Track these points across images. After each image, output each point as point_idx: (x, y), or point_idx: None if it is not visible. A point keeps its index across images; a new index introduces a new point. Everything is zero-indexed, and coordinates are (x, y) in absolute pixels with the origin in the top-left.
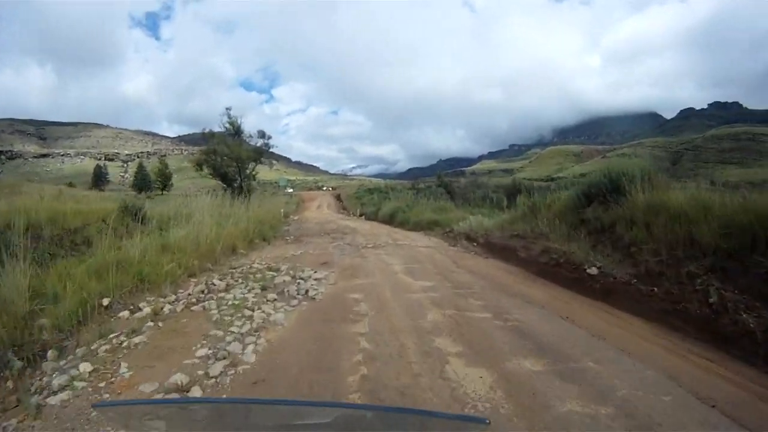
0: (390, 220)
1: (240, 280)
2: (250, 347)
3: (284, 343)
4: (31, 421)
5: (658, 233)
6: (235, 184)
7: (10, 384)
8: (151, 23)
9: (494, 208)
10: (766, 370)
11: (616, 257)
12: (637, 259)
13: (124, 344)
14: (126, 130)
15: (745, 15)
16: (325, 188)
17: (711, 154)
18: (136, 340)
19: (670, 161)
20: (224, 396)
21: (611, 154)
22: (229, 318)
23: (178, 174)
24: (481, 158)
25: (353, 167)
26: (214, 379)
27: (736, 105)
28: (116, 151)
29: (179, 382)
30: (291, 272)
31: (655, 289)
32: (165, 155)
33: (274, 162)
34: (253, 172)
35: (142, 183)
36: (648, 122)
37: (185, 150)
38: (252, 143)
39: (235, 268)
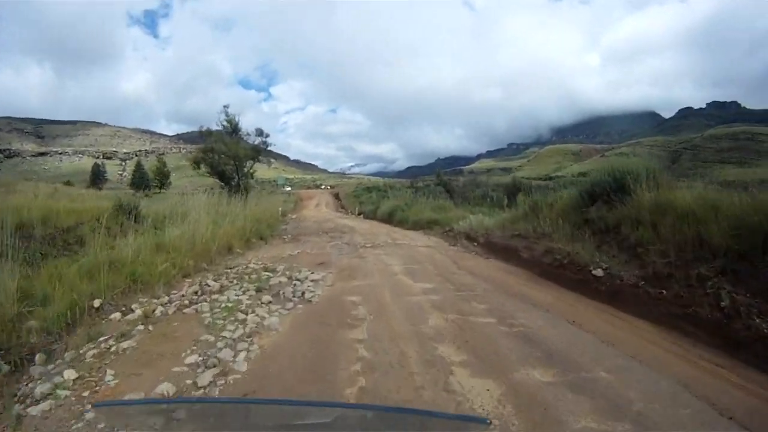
0: (389, 219)
1: (235, 281)
2: (242, 354)
3: (278, 350)
4: None
5: (665, 234)
6: (233, 183)
7: None
8: (150, 21)
9: (494, 207)
10: None
11: (622, 258)
12: (645, 260)
13: (113, 349)
14: (124, 128)
15: (744, 15)
16: (323, 187)
17: (709, 153)
18: (125, 344)
19: (669, 161)
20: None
21: (610, 153)
22: (222, 322)
23: (176, 172)
24: (479, 157)
25: (352, 166)
26: (202, 390)
27: (734, 105)
28: (114, 149)
29: (165, 393)
30: (287, 273)
31: (664, 291)
32: (163, 153)
33: (272, 160)
34: (251, 171)
35: (140, 181)
36: (646, 121)
37: (183, 148)
38: (250, 141)
39: (230, 268)
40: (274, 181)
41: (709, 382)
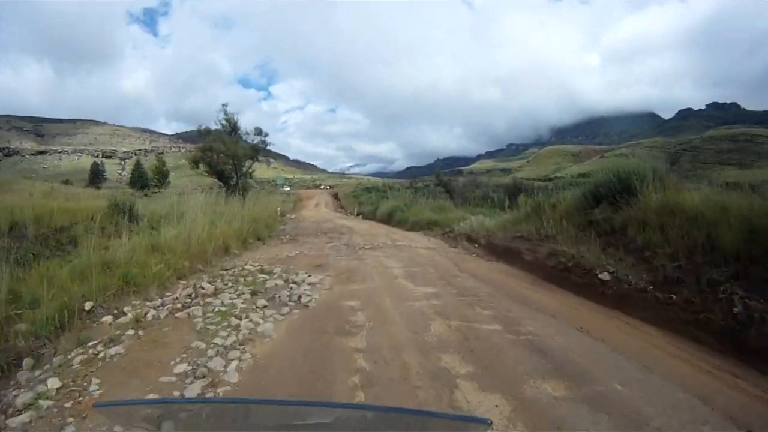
0: (388, 220)
1: (230, 284)
2: (234, 364)
3: (271, 360)
4: None
5: (674, 236)
6: (232, 182)
7: None
8: (149, 19)
9: (495, 207)
10: None
11: (628, 261)
12: (653, 263)
13: (101, 355)
14: (123, 127)
15: (744, 15)
16: (322, 187)
17: (709, 154)
18: (113, 351)
19: (669, 162)
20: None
21: (609, 154)
22: (214, 327)
23: (175, 172)
24: (479, 157)
25: (351, 166)
26: None
27: (734, 106)
28: (114, 148)
29: None
30: (284, 275)
31: (674, 296)
32: (162, 153)
33: (271, 160)
34: (250, 170)
35: (139, 181)
36: (646, 122)
37: (183, 147)
38: (249, 140)
39: (226, 270)
40: (274, 180)
41: (726, 393)
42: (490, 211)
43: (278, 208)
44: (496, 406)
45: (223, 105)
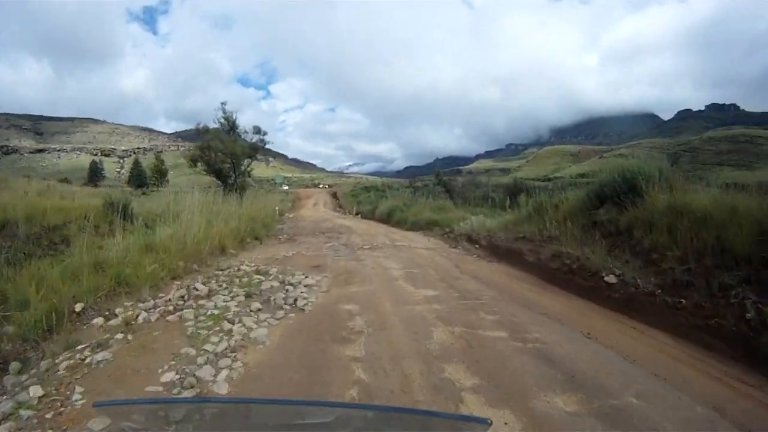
0: (387, 219)
1: (224, 285)
2: (224, 373)
3: (263, 369)
4: None
5: (682, 239)
6: (230, 181)
7: None
8: (149, 18)
9: (495, 208)
10: None
11: (635, 264)
12: (661, 266)
13: (87, 360)
14: (122, 125)
15: (744, 16)
16: (321, 186)
17: (708, 155)
18: (100, 356)
19: (668, 162)
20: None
21: (608, 154)
22: (206, 332)
23: (174, 170)
24: (478, 157)
25: (350, 165)
26: None
27: (733, 107)
28: (113, 146)
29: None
30: (280, 276)
31: (683, 301)
32: (161, 151)
33: (270, 159)
34: (249, 169)
35: (137, 179)
36: (645, 123)
37: (182, 146)
38: (247, 139)
39: (222, 270)
40: (272, 179)
41: (742, 405)
42: (490, 211)
43: (276, 207)
44: (506, 423)
45: (222, 103)
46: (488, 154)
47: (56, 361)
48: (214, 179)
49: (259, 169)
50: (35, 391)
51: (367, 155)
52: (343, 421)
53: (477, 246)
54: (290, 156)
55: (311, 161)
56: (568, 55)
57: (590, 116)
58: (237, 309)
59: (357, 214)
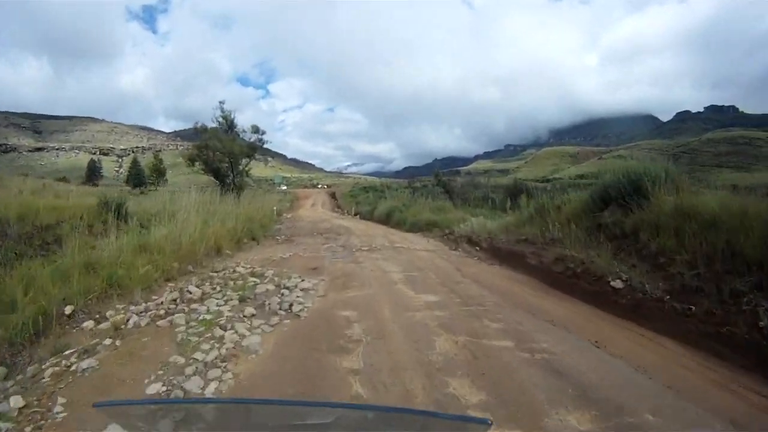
0: (386, 220)
1: (218, 288)
2: (213, 385)
3: (255, 381)
4: None
5: (691, 242)
6: (228, 180)
7: None
8: (148, 16)
9: (496, 209)
10: None
11: (642, 268)
12: (669, 271)
13: (73, 367)
14: (121, 124)
15: (744, 17)
16: (320, 186)
17: (707, 157)
18: (86, 364)
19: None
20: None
21: (607, 155)
22: (196, 339)
23: (172, 170)
24: (477, 158)
25: (349, 165)
26: None
27: (732, 108)
28: (111, 145)
29: None
30: (276, 279)
31: (693, 307)
32: (160, 150)
33: (269, 159)
34: (247, 168)
35: (136, 178)
36: (644, 124)
37: (180, 145)
38: (246, 138)
39: (217, 272)
40: (271, 179)
41: (762, 420)
42: (490, 213)
43: (274, 207)
44: None
45: (220, 102)
46: (487, 155)
47: (43, 366)
48: (212, 179)
49: (258, 169)
50: (16, 401)
51: (366, 155)
52: (342, 422)
53: (478, 248)
54: (289, 156)
55: (310, 161)
56: (568, 56)
57: (589, 117)
58: (230, 314)
59: (356, 214)
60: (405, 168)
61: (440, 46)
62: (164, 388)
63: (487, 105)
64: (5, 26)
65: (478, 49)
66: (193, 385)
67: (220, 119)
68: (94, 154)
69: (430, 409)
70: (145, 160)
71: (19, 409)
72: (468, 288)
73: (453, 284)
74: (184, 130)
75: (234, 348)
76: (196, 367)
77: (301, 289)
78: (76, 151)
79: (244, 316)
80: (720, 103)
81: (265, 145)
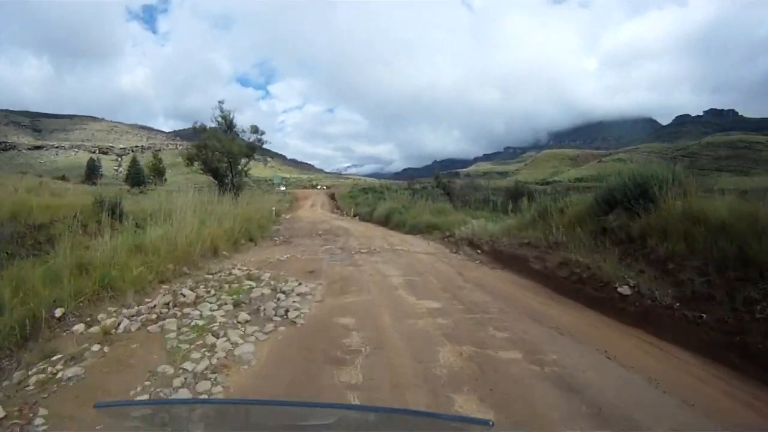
0: (385, 222)
1: (213, 291)
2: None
3: (246, 395)
4: None
5: (700, 248)
6: (227, 180)
7: None
8: (148, 16)
9: (497, 211)
10: None
11: (650, 274)
12: (678, 277)
13: (58, 375)
14: (121, 123)
15: (744, 22)
16: (319, 187)
17: (707, 161)
18: (71, 372)
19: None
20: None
21: (607, 159)
22: (187, 346)
23: (172, 169)
24: (476, 160)
25: (348, 166)
26: None
27: (731, 112)
28: (111, 144)
29: None
30: (272, 282)
31: (704, 315)
32: (159, 150)
33: (268, 159)
34: (246, 168)
35: (135, 177)
36: (644, 128)
37: (180, 145)
38: (245, 138)
39: (213, 274)
40: (270, 180)
41: None
42: (491, 215)
43: (273, 208)
44: None
45: (219, 102)
46: (486, 157)
47: (29, 372)
48: (211, 178)
49: (257, 169)
50: None
51: (365, 156)
52: (343, 423)
53: (479, 251)
54: (289, 156)
55: (309, 162)
56: (568, 59)
57: (589, 120)
58: (223, 320)
59: (355, 215)
60: (404, 170)
61: (440, 47)
62: None
63: (487, 107)
64: (6, 25)
65: (477, 50)
66: None
67: (219, 119)
68: (94, 153)
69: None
70: (145, 160)
71: (0, 420)
72: (471, 293)
73: (455, 289)
74: (184, 129)
75: (226, 357)
76: (185, 378)
77: (298, 294)
78: (76, 149)
79: (238, 323)
80: (720, 107)
81: (264, 146)
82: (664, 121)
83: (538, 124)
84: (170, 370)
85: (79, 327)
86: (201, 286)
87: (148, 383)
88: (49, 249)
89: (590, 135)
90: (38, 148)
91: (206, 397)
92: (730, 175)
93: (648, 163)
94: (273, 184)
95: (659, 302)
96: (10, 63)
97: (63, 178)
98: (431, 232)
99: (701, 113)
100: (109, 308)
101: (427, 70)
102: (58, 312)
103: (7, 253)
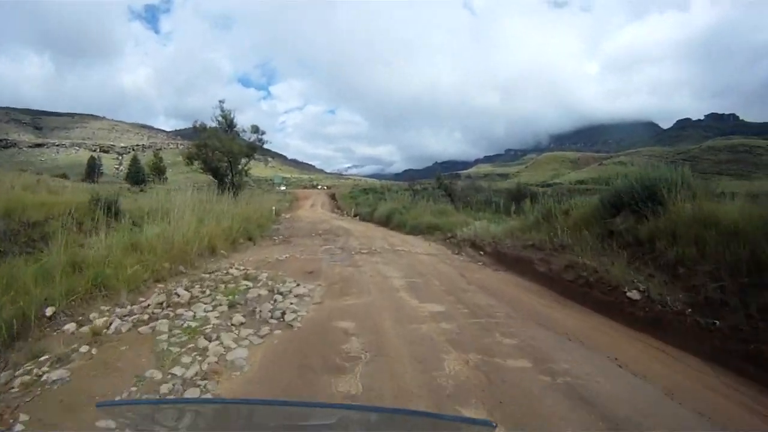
0: (386, 222)
1: (208, 291)
2: None
3: None
4: None
5: (712, 252)
6: (227, 180)
7: None
8: (151, 16)
9: (499, 213)
10: None
11: (660, 279)
12: (689, 282)
13: (44, 378)
14: (122, 122)
15: (745, 27)
16: (319, 187)
17: (708, 165)
18: (56, 375)
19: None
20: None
21: (608, 162)
22: (178, 350)
23: (172, 168)
24: (477, 162)
25: (349, 167)
26: None
27: (732, 117)
28: (112, 143)
29: None
30: (269, 283)
31: (717, 322)
32: (160, 149)
33: (269, 159)
34: (246, 168)
35: (135, 176)
36: (645, 131)
37: (181, 144)
38: (245, 138)
39: (209, 273)
40: (271, 179)
41: None
42: (493, 217)
43: (273, 207)
44: None
45: (220, 101)
46: (487, 159)
47: (16, 373)
48: (212, 178)
49: (258, 169)
50: None
51: (366, 157)
52: (345, 423)
53: (481, 253)
54: (289, 157)
55: (310, 162)
56: (569, 62)
57: (589, 123)
58: (217, 321)
59: (355, 215)
60: (405, 171)
61: (440, 48)
62: None
63: (487, 109)
64: (7, 23)
65: (478, 52)
66: None
67: (220, 118)
68: (95, 151)
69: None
70: (145, 158)
71: None
72: (475, 296)
73: (459, 292)
74: (185, 129)
75: (217, 363)
76: (173, 385)
77: (296, 295)
78: (77, 147)
79: (232, 325)
80: (721, 112)
81: (265, 146)
82: (665, 125)
83: (539, 126)
84: (158, 375)
85: (70, 326)
86: (196, 286)
87: (134, 389)
88: (42, 247)
89: (591, 138)
90: (39, 146)
91: None
92: (731, 178)
93: (650, 167)
94: (273, 183)
95: (670, 308)
96: (12, 61)
97: (63, 176)
98: (432, 232)
99: (702, 117)
100: (102, 307)
101: (427, 71)
102: (49, 311)
103: None
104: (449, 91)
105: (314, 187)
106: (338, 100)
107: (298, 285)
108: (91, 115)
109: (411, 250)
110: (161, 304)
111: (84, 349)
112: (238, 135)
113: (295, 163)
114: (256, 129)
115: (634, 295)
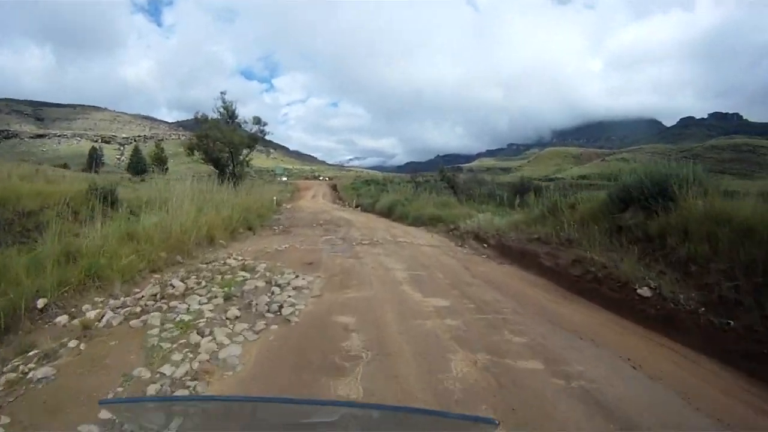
0: (388, 213)
1: (204, 282)
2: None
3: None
4: None
5: (725, 250)
6: (228, 170)
7: None
8: (153, 9)
9: (503, 206)
10: None
11: (672, 276)
12: (702, 280)
13: (29, 375)
14: (124, 113)
15: (749, 26)
16: (321, 178)
17: (711, 163)
18: (42, 372)
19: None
20: None
21: (611, 158)
22: (169, 345)
23: (174, 159)
24: (479, 155)
25: (351, 159)
26: None
27: (736, 116)
28: (113, 134)
29: None
30: (267, 274)
31: (732, 322)
32: (162, 139)
33: (271, 150)
34: (247, 159)
35: (137, 166)
36: (648, 128)
37: (183, 135)
38: (247, 129)
39: (207, 263)
40: (272, 170)
41: None
42: (497, 209)
43: (274, 198)
44: None
45: (222, 93)
46: (489, 153)
47: (3, 369)
48: (213, 168)
49: (260, 160)
50: None
51: (368, 150)
52: (348, 421)
53: (485, 245)
54: (292, 148)
55: (312, 154)
56: (572, 59)
57: (592, 120)
58: (211, 315)
59: (357, 206)
60: (407, 163)
61: (443, 43)
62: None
63: (490, 104)
64: (8, 14)
65: (481, 48)
66: None
67: (221, 110)
68: (96, 141)
69: None
70: (147, 149)
71: None
72: (480, 291)
73: (464, 286)
74: (187, 120)
75: (209, 361)
76: (161, 385)
77: (294, 288)
78: (78, 138)
79: (227, 319)
80: (724, 111)
81: (266, 137)
82: (669, 122)
83: (542, 122)
84: (146, 374)
85: (62, 319)
86: (192, 277)
87: (120, 389)
88: (37, 236)
89: (594, 134)
90: (41, 136)
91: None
92: (733, 177)
93: (659, 163)
94: (275, 174)
95: (683, 306)
96: (13, 53)
97: (65, 166)
98: (435, 224)
99: (706, 116)
100: (96, 299)
101: (430, 65)
102: (41, 303)
103: None
104: (452, 86)
105: (316, 178)
106: (341, 93)
107: (296, 276)
108: (93, 106)
109: (413, 241)
110: (155, 295)
111: (73, 344)
112: (240, 126)
113: (297, 155)
114: (257, 120)
115: (644, 292)
